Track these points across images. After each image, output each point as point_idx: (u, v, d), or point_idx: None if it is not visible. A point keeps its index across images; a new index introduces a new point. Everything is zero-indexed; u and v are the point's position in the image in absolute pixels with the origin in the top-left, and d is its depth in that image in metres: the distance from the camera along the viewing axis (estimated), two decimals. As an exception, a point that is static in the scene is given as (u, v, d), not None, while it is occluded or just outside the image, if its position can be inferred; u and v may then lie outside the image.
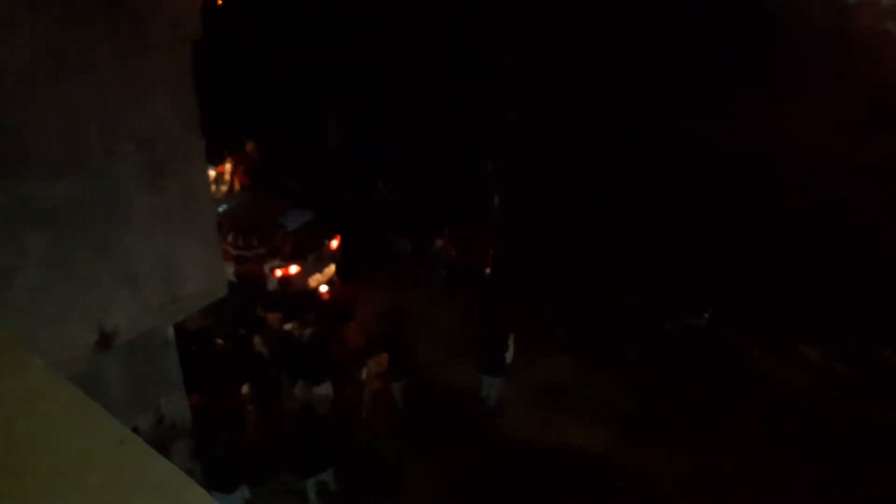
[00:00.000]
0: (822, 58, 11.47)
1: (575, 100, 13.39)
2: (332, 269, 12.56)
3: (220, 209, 12.34)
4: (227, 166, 14.18)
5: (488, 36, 13.88)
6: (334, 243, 12.75)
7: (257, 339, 10.53)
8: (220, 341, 10.45)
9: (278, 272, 12.04)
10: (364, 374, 10.01)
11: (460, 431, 10.13)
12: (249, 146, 14.54)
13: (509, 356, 10.26)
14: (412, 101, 14.68)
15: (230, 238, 11.97)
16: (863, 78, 11.40)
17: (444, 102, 14.27)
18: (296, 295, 11.87)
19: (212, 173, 13.76)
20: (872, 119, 11.38)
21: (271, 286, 11.99)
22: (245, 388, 9.73)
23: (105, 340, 5.73)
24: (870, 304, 10.82)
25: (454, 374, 11.08)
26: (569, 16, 13.23)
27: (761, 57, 12.02)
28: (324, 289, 12.11)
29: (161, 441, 6.70)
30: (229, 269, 10.73)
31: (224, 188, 13.95)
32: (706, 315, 11.49)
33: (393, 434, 10.06)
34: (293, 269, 12.12)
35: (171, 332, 6.77)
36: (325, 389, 9.47)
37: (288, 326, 10.79)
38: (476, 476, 9.52)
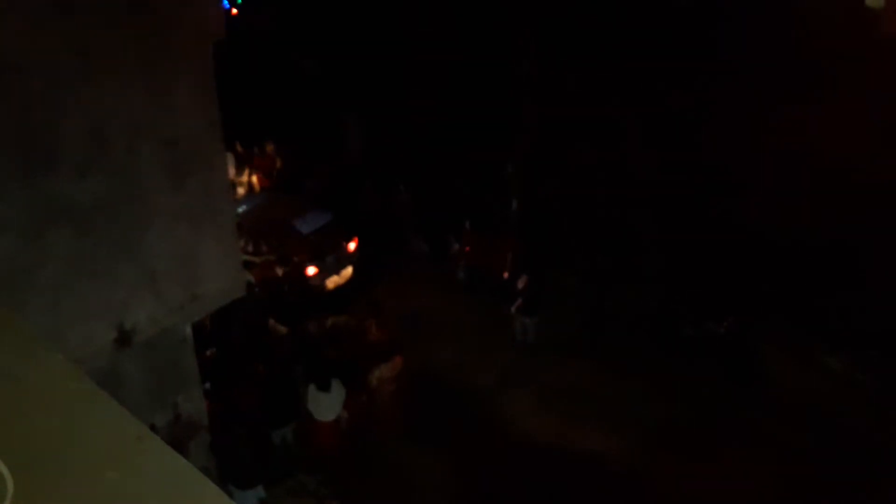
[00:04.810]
0: (846, 64, 11.37)
1: (596, 104, 13.36)
2: (349, 270, 12.60)
3: (240, 210, 12.41)
4: (246, 167, 14.25)
5: (510, 41, 13.87)
6: (352, 245, 12.78)
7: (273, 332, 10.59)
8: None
9: (279, 271, 12.05)
10: (376, 376, 10.01)
11: (476, 434, 10.12)
12: (269, 147, 14.63)
13: (542, 297, 11.37)
14: (433, 105, 14.70)
15: (241, 242, 12.01)
16: (887, 84, 11.28)
17: (465, 106, 14.29)
18: (313, 296, 11.92)
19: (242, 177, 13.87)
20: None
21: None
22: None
23: (125, 338, 5.79)
24: (891, 315, 10.69)
25: (471, 375, 11.08)
26: (591, 21, 13.21)
27: (786, 63, 11.94)
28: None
29: (178, 438, 6.76)
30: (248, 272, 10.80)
31: (241, 190, 14.00)
32: (725, 322, 11.39)
33: (408, 436, 10.06)
34: (311, 270, 12.16)
35: (188, 330, 6.83)
36: (336, 389, 9.43)
37: (306, 328, 10.82)
38: (492, 479, 9.50)
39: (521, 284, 11.48)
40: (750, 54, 12.11)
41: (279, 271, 11.94)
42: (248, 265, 11.67)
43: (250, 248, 12.09)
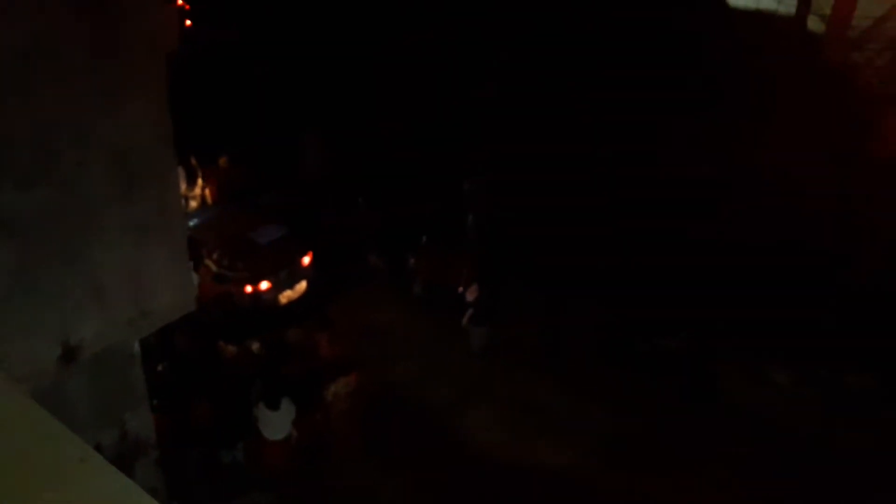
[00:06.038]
0: (792, 88, 11.74)
1: (553, 122, 13.54)
2: (303, 285, 12.47)
3: (192, 223, 12.22)
4: (199, 181, 14.05)
5: (472, 60, 13.99)
6: (306, 259, 12.66)
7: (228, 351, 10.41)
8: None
9: (248, 288, 11.91)
10: (331, 392, 9.91)
11: (435, 450, 10.06)
12: (222, 160, 14.45)
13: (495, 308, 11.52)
14: (393, 121, 14.71)
15: (215, 256, 11.84)
16: (830, 108, 11.68)
17: (423, 123, 14.34)
18: (266, 311, 11.76)
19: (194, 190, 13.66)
20: (841, 148, 11.64)
21: (243, 303, 11.87)
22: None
23: (70, 354, 5.61)
24: (838, 332, 11.00)
25: (429, 390, 11.05)
26: (554, 42, 13.43)
27: (733, 88, 12.28)
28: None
29: (124, 458, 6.56)
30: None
31: (194, 203, 13.80)
32: (678, 338, 11.58)
33: (365, 453, 9.96)
34: (263, 284, 12.00)
35: (137, 346, 6.66)
36: (286, 407, 9.28)
37: (255, 346, 10.65)
38: (451, 497, 9.45)
39: (470, 296, 11.56)
40: (700, 80, 12.43)
41: (232, 287, 11.75)
42: (221, 278, 11.50)
43: (226, 263, 11.89)
